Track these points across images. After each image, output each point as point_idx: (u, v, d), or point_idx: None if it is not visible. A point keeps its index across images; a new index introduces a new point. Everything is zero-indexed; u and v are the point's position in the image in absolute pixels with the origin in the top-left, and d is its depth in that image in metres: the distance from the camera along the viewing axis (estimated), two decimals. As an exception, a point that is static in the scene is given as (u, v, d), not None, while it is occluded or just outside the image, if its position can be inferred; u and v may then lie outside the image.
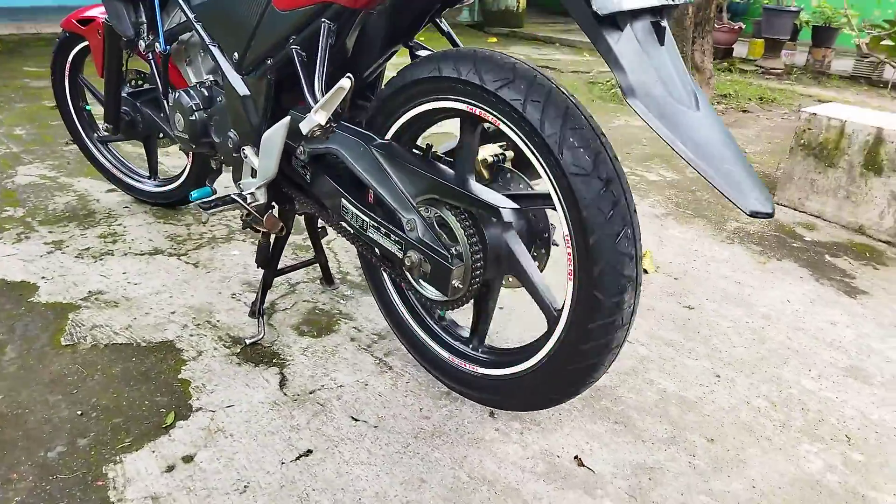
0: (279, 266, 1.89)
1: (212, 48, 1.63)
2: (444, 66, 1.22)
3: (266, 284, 1.89)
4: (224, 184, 2.74)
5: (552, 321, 1.27)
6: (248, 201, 1.61)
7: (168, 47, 1.83)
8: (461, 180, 1.27)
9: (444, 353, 1.53)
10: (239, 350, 1.75)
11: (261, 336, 1.79)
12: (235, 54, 1.58)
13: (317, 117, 1.26)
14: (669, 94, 0.98)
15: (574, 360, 1.23)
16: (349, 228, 1.45)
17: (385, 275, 1.64)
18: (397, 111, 1.36)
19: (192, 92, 1.78)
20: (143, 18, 1.90)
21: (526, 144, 1.15)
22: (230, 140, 1.66)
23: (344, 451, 1.43)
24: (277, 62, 1.47)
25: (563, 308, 1.23)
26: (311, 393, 1.61)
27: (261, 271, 2.13)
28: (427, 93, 1.27)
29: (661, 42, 1.02)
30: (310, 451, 1.42)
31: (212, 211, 1.63)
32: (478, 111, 1.19)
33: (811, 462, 1.50)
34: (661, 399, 1.67)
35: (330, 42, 1.33)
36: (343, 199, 1.45)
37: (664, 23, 1.02)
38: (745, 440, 1.55)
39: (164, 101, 1.94)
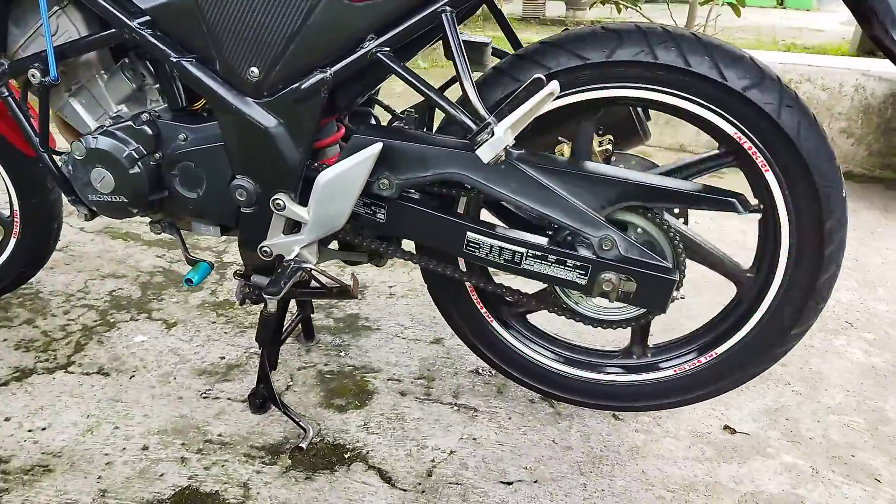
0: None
1: (186, 65, 1.11)
2: (660, 51, 1.02)
3: (271, 366, 1.44)
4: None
5: (749, 293, 1.20)
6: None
7: (58, 74, 1.19)
8: (651, 177, 1.11)
9: (631, 377, 1.33)
10: (290, 462, 1.32)
11: (311, 433, 1.36)
12: (253, 70, 1.09)
13: (507, 137, 0.95)
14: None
15: (782, 341, 1.20)
16: (484, 263, 1.16)
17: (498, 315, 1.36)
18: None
19: (119, 133, 1.21)
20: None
21: (761, 151, 1.05)
22: (242, 191, 1.17)
23: (538, 524, 1.20)
24: (344, 71, 1.07)
25: (764, 293, 1.18)
26: (429, 475, 1.29)
27: (213, 350, 1.64)
28: (607, 79, 1.05)
29: None
30: (504, 543, 1.16)
31: (282, 295, 1.15)
32: (698, 109, 1.04)
33: (852, 353, 1.71)
34: (714, 343, 1.73)
35: (459, 36, 1.00)
36: (470, 233, 1.14)
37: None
38: (801, 353, 1.70)
39: (43, 155, 1.29)
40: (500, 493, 1.26)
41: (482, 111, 1.00)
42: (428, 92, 1.05)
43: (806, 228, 1.09)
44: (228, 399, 1.48)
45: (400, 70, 1.04)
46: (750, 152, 1.07)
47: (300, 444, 1.33)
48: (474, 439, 1.39)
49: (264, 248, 1.22)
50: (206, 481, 1.26)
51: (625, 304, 1.17)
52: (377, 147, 1.08)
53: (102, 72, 1.27)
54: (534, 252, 1.12)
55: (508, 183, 1.08)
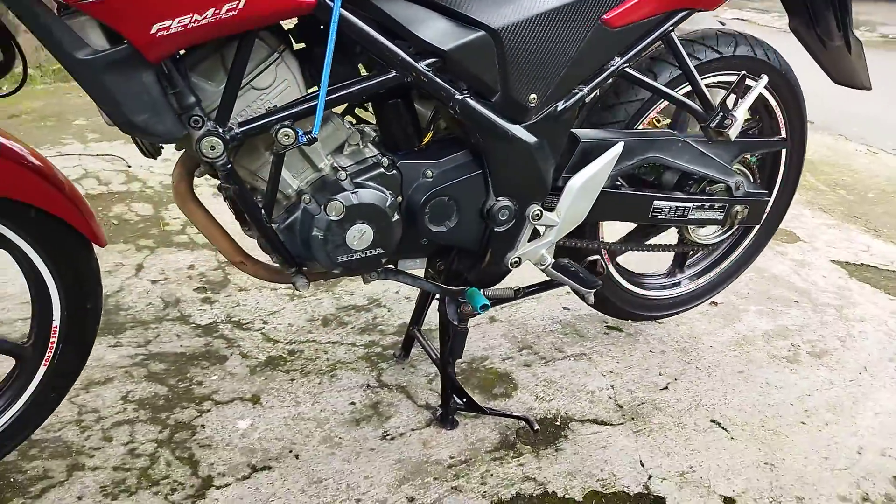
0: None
1: (468, 101, 1.12)
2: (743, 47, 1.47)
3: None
4: None
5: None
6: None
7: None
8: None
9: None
10: (531, 447, 1.45)
11: (530, 416, 1.50)
12: (532, 97, 1.17)
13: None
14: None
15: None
16: (662, 223, 1.49)
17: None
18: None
19: (373, 184, 1.13)
20: (207, 95, 0.99)
21: (780, 105, 1.61)
22: (505, 211, 1.23)
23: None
24: (595, 88, 1.24)
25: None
26: (621, 407, 1.59)
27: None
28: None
29: None
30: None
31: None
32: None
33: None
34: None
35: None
36: (654, 202, 1.44)
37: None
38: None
39: (270, 227, 1.08)
40: (668, 396, 1.64)
41: (713, 102, 1.33)
42: (666, 90, 1.33)
43: (799, 140, 1.72)
44: (413, 430, 1.48)
45: (645, 80, 1.29)
46: (773, 102, 1.63)
47: (534, 427, 1.47)
48: (611, 372, 1.72)
49: (514, 260, 1.32)
50: (497, 492, 1.33)
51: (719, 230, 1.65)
52: (620, 146, 1.31)
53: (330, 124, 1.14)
54: (694, 206, 1.50)
55: (684, 155, 1.44)
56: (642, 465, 1.43)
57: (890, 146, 3.63)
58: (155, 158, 1.19)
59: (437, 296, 1.46)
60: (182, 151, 1.18)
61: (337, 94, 1.06)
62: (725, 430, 1.54)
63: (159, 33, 0.87)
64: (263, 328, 1.79)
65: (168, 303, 1.87)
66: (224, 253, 1.26)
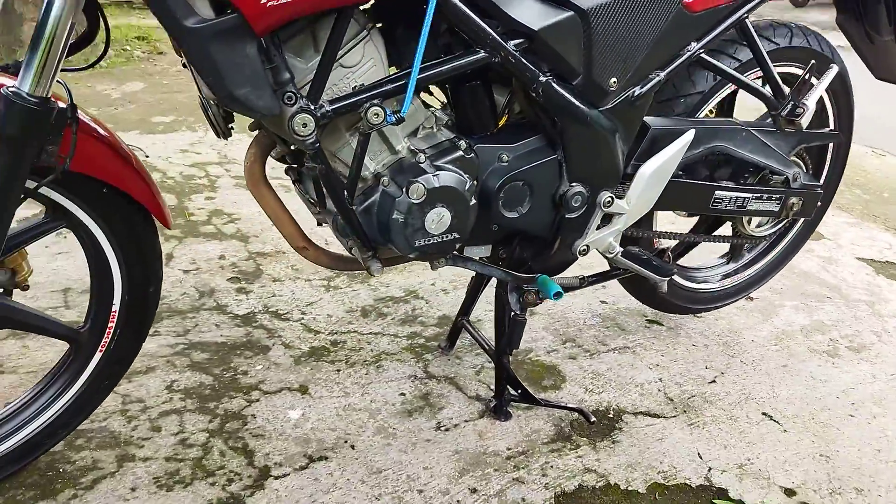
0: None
1: (552, 83, 1.10)
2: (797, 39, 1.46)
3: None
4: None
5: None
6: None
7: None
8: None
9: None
10: (587, 439, 1.43)
11: (585, 408, 1.48)
12: (613, 80, 1.15)
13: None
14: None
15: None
16: (721, 214, 1.47)
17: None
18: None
19: (452, 167, 1.11)
20: (297, 72, 0.97)
21: (831, 97, 1.60)
22: (578, 197, 1.21)
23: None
24: (672, 73, 1.23)
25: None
26: (671, 400, 1.58)
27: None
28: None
29: None
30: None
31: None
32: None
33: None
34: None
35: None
36: (716, 192, 1.43)
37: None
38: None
39: (353, 209, 1.05)
40: (717, 389, 1.63)
41: (786, 91, 1.33)
42: (740, 77, 1.32)
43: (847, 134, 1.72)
44: (466, 421, 1.46)
45: (719, 65, 1.28)
46: (824, 94, 1.62)
47: (590, 419, 1.45)
48: (657, 365, 1.70)
49: (582, 248, 1.30)
50: (559, 483, 1.31)
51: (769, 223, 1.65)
52: (691, 134, 1.30)
53: (395, 102, 1.11)
54: (754, 196, 1.49)
55: (748, 145, 1.43)
56: (700, 458, 1.42)
57: (895, 148, 3.68)
58: (226, 139, 1.15)
59: (494, 285, 1.44)
60: (256, 132, 1.15)
61: (428, 73, 1.04)
62: (778, 422, 1.54)
63: (269, 3, 0.84)
64: (303, 318, 1.76)
65: (203, 292, 1.83)
66: (288, 237, 1.23)
